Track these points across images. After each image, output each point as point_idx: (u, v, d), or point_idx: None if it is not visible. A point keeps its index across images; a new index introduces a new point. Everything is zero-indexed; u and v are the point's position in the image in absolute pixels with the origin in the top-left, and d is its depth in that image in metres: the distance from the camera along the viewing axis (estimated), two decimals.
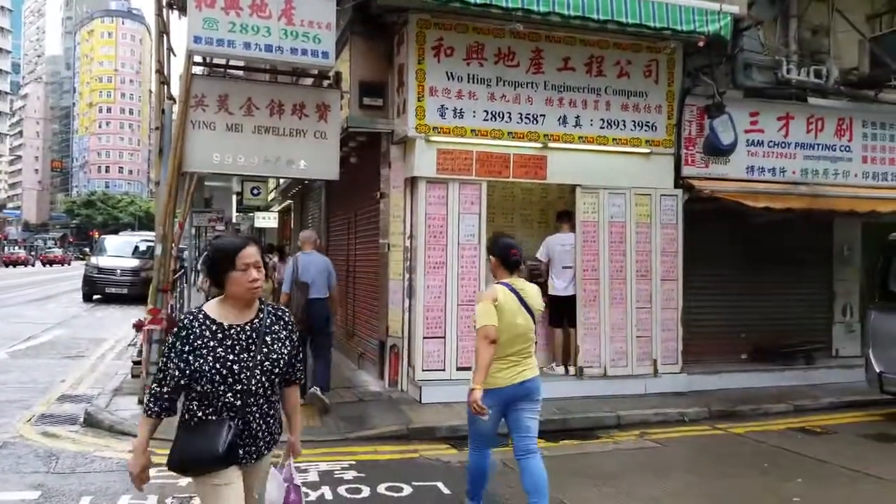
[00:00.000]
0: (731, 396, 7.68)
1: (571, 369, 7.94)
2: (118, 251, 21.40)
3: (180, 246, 12.91)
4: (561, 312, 7.94)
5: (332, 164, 7.66)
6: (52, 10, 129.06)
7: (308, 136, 7.55)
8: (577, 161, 7.90)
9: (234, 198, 23.50)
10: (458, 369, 7.48)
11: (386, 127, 7.84)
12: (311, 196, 14.97)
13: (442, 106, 7.43)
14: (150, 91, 7.79)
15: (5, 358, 9.88)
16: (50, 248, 70.39)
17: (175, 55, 8.67)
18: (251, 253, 2.59)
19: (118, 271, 20.12)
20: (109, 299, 19.53)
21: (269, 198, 19.14)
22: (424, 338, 7.42)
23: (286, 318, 2.77)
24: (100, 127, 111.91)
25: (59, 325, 13.93)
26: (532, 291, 4.12)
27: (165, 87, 8.13)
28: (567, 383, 7.75)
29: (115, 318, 15.43)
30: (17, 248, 66.14)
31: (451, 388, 7.30)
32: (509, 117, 7.65)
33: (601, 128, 7.96)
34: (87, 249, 38.55)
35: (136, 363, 7.88)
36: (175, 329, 2.63)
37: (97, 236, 41.34)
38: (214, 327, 2.58)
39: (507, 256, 4.10)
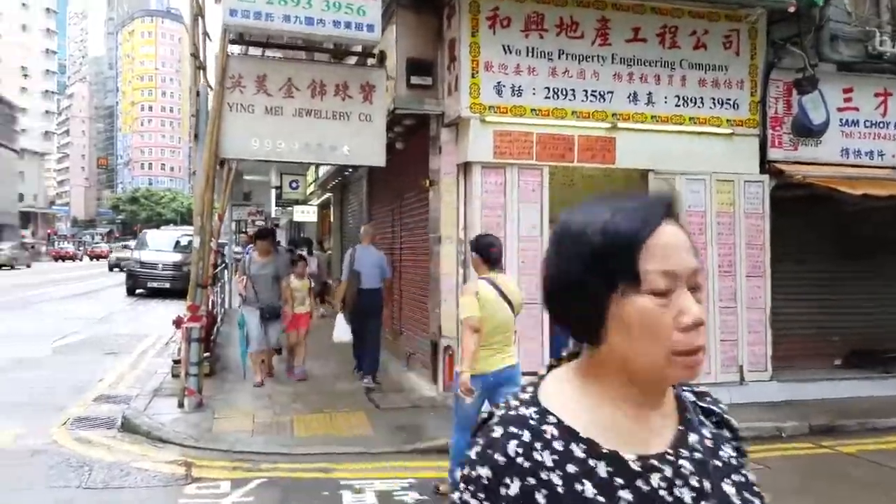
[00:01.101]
0: (829, 408, 6.83)
1: None
2: (160, 246, 21.29)
3: (220, 241, 12.57)
4: None
5: (378, 149, 7.05)
6: (95, 12, 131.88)
7: (352, 120, 6.95)
8: (650, 143, 7.14)
9: (273, 192, 23.24)
10: (522, 374, 6.80)
11: (436, 108, 7.19)
12: (352, 188, 14.45)
13: (498, 83, 6.75)
14: (190, 89, 7.33)
15: (48, 354, 9.63)
16: (97, 243, 71.85)
17: (210, 39, 8.18)
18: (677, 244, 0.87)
19: (160, 266, 20.00)
20: (152, 294, 19.41)
21: (308, 191, 18.70)
22: None
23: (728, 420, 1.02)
24: (142, 125, 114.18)
25: (102, 321, 13.71)
26: (511, 286, 4.52)
27: (202, 72, 7.62)
28: None
29: (157, 313, 15.17)
30: (65, 243, 67.76)
31: None
32: (573, 95, 6.93)
33: (676, 105, 7.18)
34: (122, 244, 39.02)
35: (177, 362, 7.44)
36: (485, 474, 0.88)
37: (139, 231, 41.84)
38: (599, 466, 0.85)
39: (487, 253, 4.45)
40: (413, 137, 8.10)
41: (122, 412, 6.20)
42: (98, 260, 53.07)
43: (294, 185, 19.32)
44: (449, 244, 7.13)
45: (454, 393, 4.33)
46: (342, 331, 7.75)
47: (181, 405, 6.28)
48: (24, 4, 76.59)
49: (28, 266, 37.74)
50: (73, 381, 7.75)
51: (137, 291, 19.88)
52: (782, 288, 7.52)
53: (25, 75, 69.21)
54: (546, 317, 6.93)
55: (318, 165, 16.15)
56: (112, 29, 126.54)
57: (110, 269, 33.37)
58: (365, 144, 7.00)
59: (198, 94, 6.90)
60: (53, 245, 60.78)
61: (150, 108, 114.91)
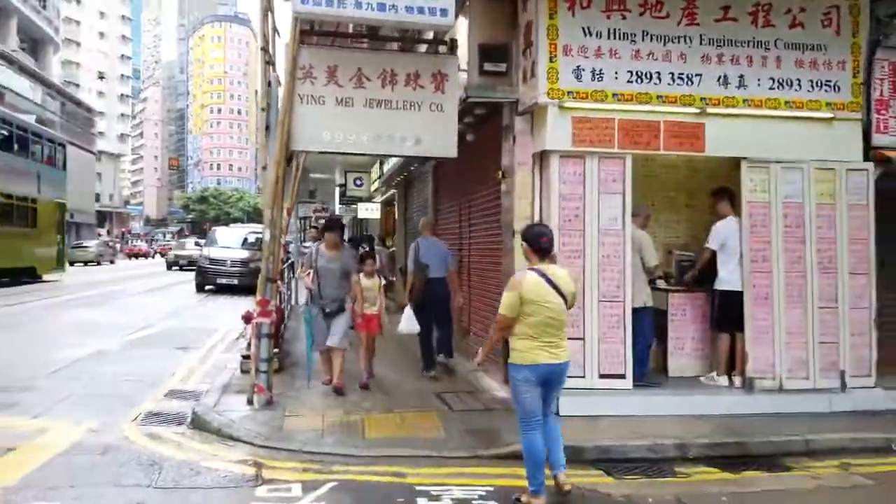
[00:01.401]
0: None
1: (737, 380, 6.70)
2: (228, 243, 21.69)
3: (287, 238, 12.58)
4: (730, 312, 6.70)
5: (450, 139, 6.77)
6: (167, 18, 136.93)
7: (423, 110, 6.70)
8: (743, 129, 6.62)
9: (337, 190, 23.37)
10: (601, 376, 6.42)
11: (510, 95, 6.86)
12: (416, 184, 14.27)
13: (578, 67, 6.37)
14: (257, 91, 7.24)
15: (120, 348, 9.77)
16: (168, 241, 74.57)
17: (280, 35, 8.10)
18: None
19: (228, 262, 20.34)
20: (220, 290, 19.76)
21: (372, 188, 18.67)
22: None
23: None
24: (211, 127, 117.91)
25: (172, 316, 13.97)
26: (563, 275, 4.36)
27: (271, 67, 7.51)
28: (733, 397, 6.53)
29: (225, 308, 15.39)
30: (138, 241, 70.61)
31: (592, 400, 6.28)
32: (658, 78, 6.48)
33: (770, 88, 6.63)
34: (190, 242, 40.15)
35: (246, 357, 7.37)
36: None
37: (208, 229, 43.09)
38: None
39: (537, 243, 4.35)
40: (483, 128, 7.79)
41: (192, 408, 6.13)
42: (136, 259, 54.97)
43: (358, 182, 19.36)
44: None
45: (512, 389, 4.40)
46: (409, 322, 7.73)
47: (251, 402, 6.16)
48: (101, 13, 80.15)
49: (111, 262, 40.54)
50: (145, 376, 7.80)
51: (206, 288, 20.28)
52: (889, 286, 6.86)
53: (101, 76, 72.27)
54: (629, 315, 6.52)
55: (382, 162, 16.06)
56: (183, 34, 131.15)
57: (168, 267, 32.61)
58: (436, 135, 6.74)
59: (269, 84, 6.77)
60: (127, 243, 63.40)
61: (219, 111, 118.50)
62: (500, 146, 7.25)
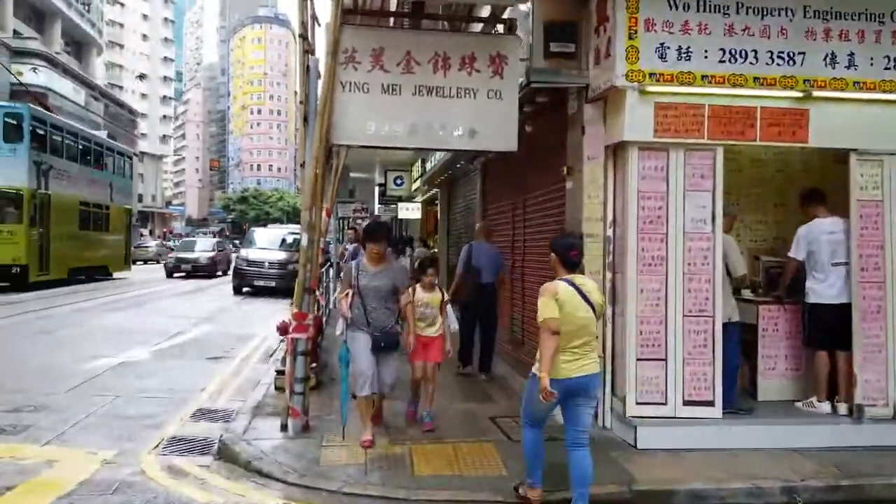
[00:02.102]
0: None
1: (842, 407, 5.73)
2: (266, 243, 21.23)
3: (326, 238, 11.92)
4: (826, 327, 5.76)
5: (510, 130, 5.96)
6: (209, 21, 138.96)
7: (479, 97, 5.91)
8: (853, 116, 5.66)
9: (377, 189, 22.76)
10: (686, 403, 5.54)
11: (579, 80, 6.01)
12: (460, 183, 13.48)
13: (662, 45, 5.49)
14: (296, 92, 6.50)
15: (148, 359, 9.16)
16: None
17: (319, 24, 7.39)
18: None
19: (266, 264, 19.87)
20: (258, 292, 19.28)
21: (413, 187, 17.96)
22: (638, 359, 5.55)
23: None
24: (251, 128, 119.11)
25: (207, 321, 13.44)
26: (592, 286, 4.32)
27: (309, 55, 6.80)
28: (838, 427, 5.59)
29: (262, 313, 14.82)
30: (179, 241, 71.35)
31: (677, 431, 5.41)
32: (755, 57, 5.55)
33: (886, 69, 5.65)
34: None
35: (280, 373, 6.70)
36: None
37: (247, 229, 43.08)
38: None
39: (567, 256, 4.31)
40: (544, 118, 6.96)
41: (220, 432, 5.45)
42: None
43: (399, 181, 18.68)
44: (593, 243, 5.94)
45: (528, 392, 4.27)
46: (451, 320, 6.64)
47: (284, 427, 5.44)
48: (144, 16, 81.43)
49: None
50: (172, 392, 7.18)
51: (244, 290, 19.83)
52: None
53: (143, 77, 73.26)
54: (718, 332, 5.62)
55: (424, 160, 15.33)
56: (224, 36, 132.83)
57: (169, 274, 27.12)
58: (494, 126, 5.94)
59: (307, 70, 6.05)
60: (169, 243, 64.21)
61: (259, 112, 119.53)
62: (565, 139, 6.41)
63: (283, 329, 6.22)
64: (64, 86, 46.56)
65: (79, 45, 56.33)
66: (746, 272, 6.15)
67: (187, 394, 7.05)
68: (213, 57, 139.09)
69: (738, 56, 5.54)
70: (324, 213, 8.56)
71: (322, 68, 6.01)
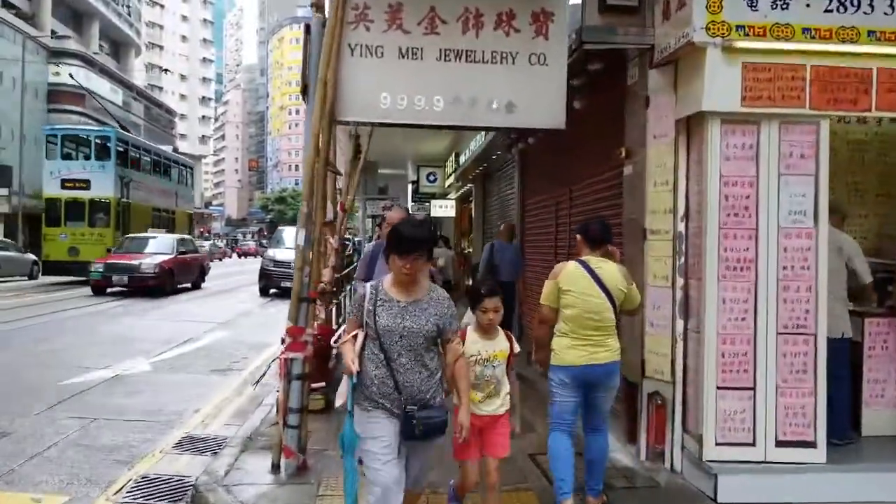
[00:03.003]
0: None
1: None
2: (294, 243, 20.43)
3: (346, 237, 10.92)
4: None
5: (556, 103, 4.85)
6: (249, 23, 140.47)
7: (519, 64, 4.83)
8: None
9: (410, 186, 21.81)
10: (780, 444, 4.35)
11: (643, 39, 4.85)
12: (495, 177, 12.38)
13: None
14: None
15: (146, 371, 8.21)
16: (246, 241, 75.42)
17: None
18: None
19: (293, 264, 19.01)
20: (285, 293, 18.41)
21: (447, 183, 16.91)
22: (718, 388, 4.37)
23: None
24: (289, 128, 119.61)
25: (224, 326, 12.59)
26: (611, 269, 3.95)
27: (316, 10, 5.77)
28: None
29: (286, 317, 13.89)
30: (218, 241, 71.80)
31: (768, 480, 4.27)
32: (870, 5, 4.33)
33: None
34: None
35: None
36: None
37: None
38: None
39: (587, 231, 4.09)
40: (595, 92, 5.81)
41: (197, 474, 4.46)
42: (245, 257, 55.25)
43: (432, 177, 17.67)
44: (658, 241, 4.80)
45: (549, 388, 4.02)
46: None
47: (276, 468, 4.42)
48: (184, 17, 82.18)
49: (220, 259, 45.51)
50: (161, 412, 6.25)
51: (271, 291, 19.03)
52: None
53: (183, 76, 73.84)
54: (822, 354, 4.41)
55: (458, 153, 14.28)
56: (263, 38, 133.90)
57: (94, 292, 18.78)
58: (537, 97, 4.84)
59: (307, 30, 5.03)
60: (237, 243, 65.68)
61: (297, 112, 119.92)
62: (623, 114, 5.27)
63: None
64: (101, 86, 46.90)
65: (117, 46, 56.83)
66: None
67: (177, 416, 6.11)
68: (253, 59, 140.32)
69: (848, 4, 4.33)
70: (338, 208, 7.61)
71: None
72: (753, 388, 4.37)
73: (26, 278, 23.23)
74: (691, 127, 4.59)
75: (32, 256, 24.29)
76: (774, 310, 4.37)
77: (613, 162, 5.50)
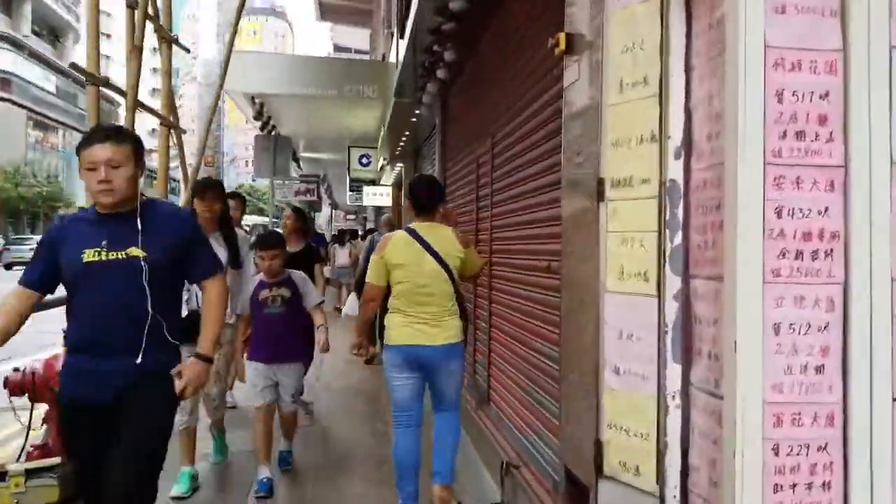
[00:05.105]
0: None
1: None
2: None
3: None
4: None
5: None
6: (206, 13, 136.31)
7: None
8: None
9: (348, 176, 19.42)
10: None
11: None
12: (425, 153, 9.99)
13: None
14: None
15: None
16: None
17: None
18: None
19: None
20: None
21: (379, 166, 14.50)
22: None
23: None
24: (246, 122, 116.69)
25: None
26: (443, 234, 3.66)
27: None
28: None
29: None
30: None
31: None
32: None
33: None
34: None
35: None
36: None
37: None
38: None
39: (413, 195, 3.78)
40: None
41: None
42: None
43: (365, 160, 15.33)
44: (628, 202, 2.37)
45: (385, 373, 3.76)
46: (353, 306, 7.02)
47: None
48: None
49: None
50: None
51: None
52: None
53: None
54: None
55: (386, 126, 11.86)
56: (220, 32, 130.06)
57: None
58: None
59: None
60: None
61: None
62: None
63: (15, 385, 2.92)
64: (33, 72, 43.61)
65: (54, 32, 53.20)
66: None
67: None
68: (211, 52, 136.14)
69: None
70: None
71: None
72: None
73: None
74: None
75: None
76: (889, 346, 1.96)
77: (547, 76, 3.08)
